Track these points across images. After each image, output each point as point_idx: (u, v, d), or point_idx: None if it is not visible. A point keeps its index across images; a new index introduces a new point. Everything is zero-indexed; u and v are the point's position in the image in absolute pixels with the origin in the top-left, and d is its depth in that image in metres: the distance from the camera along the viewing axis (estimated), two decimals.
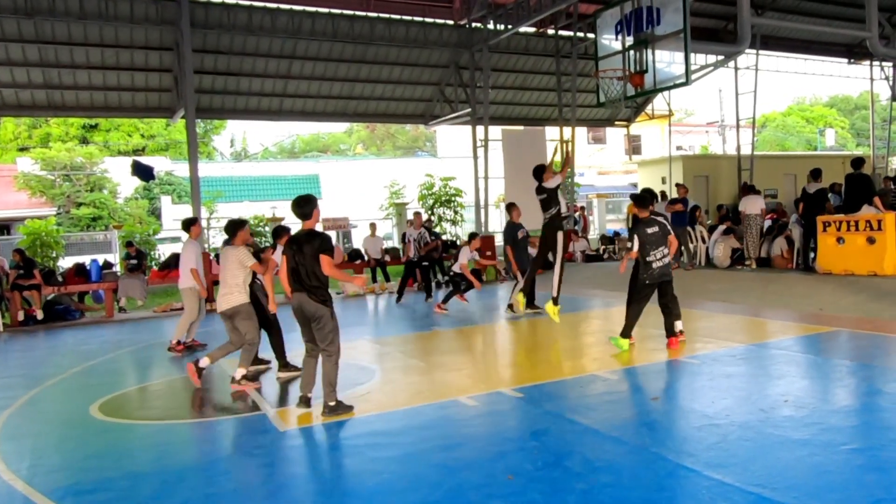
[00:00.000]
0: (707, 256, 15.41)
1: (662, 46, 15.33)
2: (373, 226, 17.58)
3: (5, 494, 4.47)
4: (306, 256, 5.79)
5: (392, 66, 19.22)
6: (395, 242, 20.87)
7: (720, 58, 18.32)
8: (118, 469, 4.92)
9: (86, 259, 15.28)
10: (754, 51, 20.27)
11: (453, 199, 21.97)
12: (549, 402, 5.97)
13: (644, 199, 7.82)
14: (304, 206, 5.92)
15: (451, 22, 19.02)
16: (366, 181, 29.74)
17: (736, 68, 21.06)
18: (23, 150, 30.93)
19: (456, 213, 21.71)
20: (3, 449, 5.39)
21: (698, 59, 17.27)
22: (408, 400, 6.36)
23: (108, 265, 15.29)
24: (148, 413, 6.55)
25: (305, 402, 6.00)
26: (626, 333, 7.81)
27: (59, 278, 14.36)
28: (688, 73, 14.97)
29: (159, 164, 26.34)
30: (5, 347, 11.25)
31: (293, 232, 6.44)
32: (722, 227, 15.25)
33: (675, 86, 15.62)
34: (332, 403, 5.81)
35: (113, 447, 5.52)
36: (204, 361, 7.10)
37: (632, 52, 15.70)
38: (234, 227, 7.33)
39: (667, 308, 7.91)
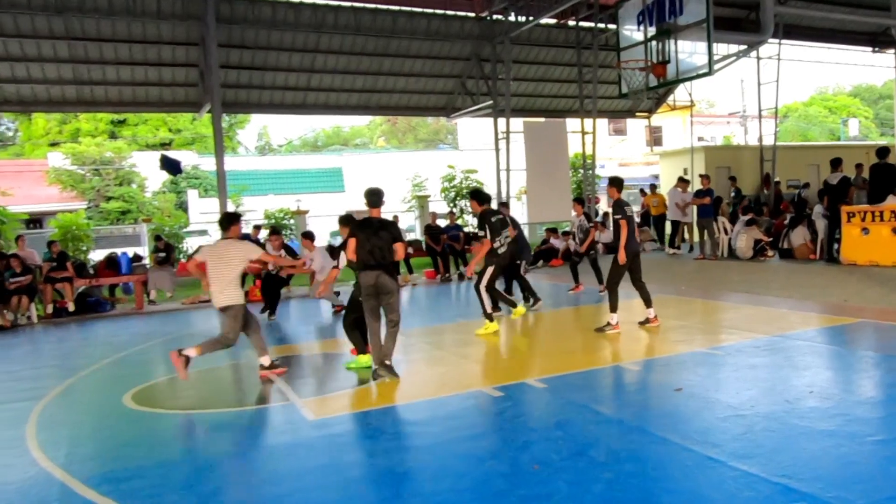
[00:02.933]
0: (729, 248, 15.28)
1: (685, 36, 15.19)
2: (395, 218, 17.57)
3: (44, 481, 4.55)
4: (383, 239, 6.63)
5: (414, 59, 19.24)
6: (417, 235, 20.89)
7: (743, 47, 18.11)
8: (151, 457, 4.99)
9: (116, 251, 15.44)
10: (777, 40, 20.03)
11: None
12: (572, 393, 5.96)
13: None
14: (378, 195, 6.84)
15: (472, 14, 18.99)
16: (388, 174, 29.78)
17: (758, 58, 20.82)
18: (53, 145, 31.34)
19: None
20: (41, 437, 5.49)
21: (720, 48, 17.07)
22: (434, 390, 6.38)
23: (137, 258, 15.47)
24: (179, 403, 6.62)
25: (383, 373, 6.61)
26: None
27: (91, 271, 14.54)
28: (710, 63, 14.82)
29: (186, 158, 26.54)
30: (40, 338, 11.44)
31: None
32: (745, 218, 15.10)
33: (698, 76, 15.48)
34: (390, 363, 6.66)
35: (146, 436, 5.59)
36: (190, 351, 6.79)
37: (654, 42, 15.58)
38: (230, 221, 7.23)
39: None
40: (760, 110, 21.82)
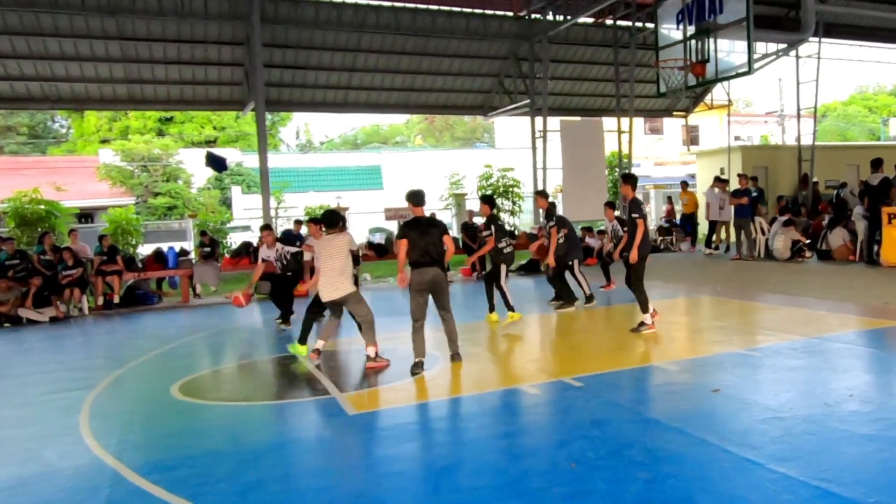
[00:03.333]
0: (767, 248, 15.00)
1: (725, 35, 14.98)
2: (433, 216, 17.61)
3: (97, 468, 4.66)
4: (433, 236, 6.88)
5: (452, 58, 19.23)
6: (454, 233, 20.89)
7: (783, 46, 17.78)
8: (197, 447, 5.08)
9: (163, 246, 15.71)
10: (817, 38, 19.56)
11: (511, 189, 21.86)
12: (609, 392, 5.92)
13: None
14: (421, 195, 7.06)
15: (510, 13, 18.92)
16: (425, 172, 29.81)
17: (797, 57, 20.39)
18: (104, 142, 31.95)
19: (514, 203, 21.60)
20: (93, 426, 5.61)
21: (760, 47, 16.78)
22: (472, 387, 6.39)
23: (183, 252, 15.72)
24: (223, 394, 6.73)
25: (421, 366, 6.76)
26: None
27: (139, 265, 14.82)
28: (750, 62, 14.60)
29: (230, 155, 26.85)
30: (91, 329, 11.70)
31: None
32: (782, 219, 14.82)
33: (737, 75, 15.26)
34: (458, 351, 7.06)
35: (192, 426, 5.69)
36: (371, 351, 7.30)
37: (693, 41, 15.39)
38: (336, 217, 7.78)
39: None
40: (799, 109, 21.39)
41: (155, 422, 5.90)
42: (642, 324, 8.27)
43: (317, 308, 8.00)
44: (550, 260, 10.44)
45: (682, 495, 3.79)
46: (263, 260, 10.20)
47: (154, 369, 8.00)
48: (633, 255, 8.20)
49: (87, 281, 13.49)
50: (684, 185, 20.02)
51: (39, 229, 15.97)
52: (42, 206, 17.06)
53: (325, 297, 7.38)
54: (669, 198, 23.11)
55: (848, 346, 7.09)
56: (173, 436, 5.43)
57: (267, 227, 11.07)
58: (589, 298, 10.61)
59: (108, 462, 4.76)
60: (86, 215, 23.52)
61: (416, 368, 6.74)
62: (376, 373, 7.02)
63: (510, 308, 9.66)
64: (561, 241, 10.32)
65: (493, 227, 10.00)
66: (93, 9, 14.67)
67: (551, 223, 10.27)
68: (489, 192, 19.27)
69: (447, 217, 23.00)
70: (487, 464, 4.42)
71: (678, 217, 20.61)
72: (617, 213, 13.12)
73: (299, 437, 5.35)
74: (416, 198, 7.04)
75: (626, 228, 11.09)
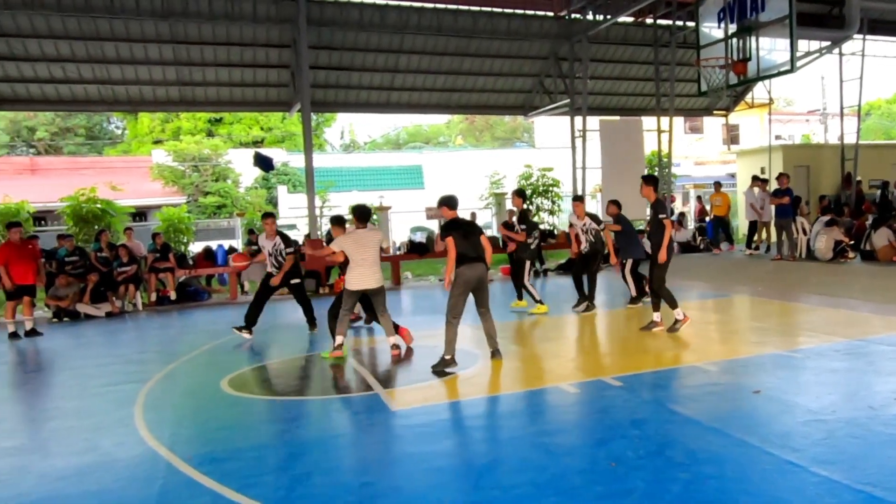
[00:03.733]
0: (808, 249, 14.66)
1: (767, 33, 14.66)
2: (473, 215, 17.60)
3: (151, 459, 4.77)
4: (476, 235, 7.05)
5: (493, 59, 19.14)
6: (494, 232, 20.85)
7: (826, 44, 17.33)
8: (246, 440, 5.16)
9: (213, 244, 15.97)
10: (861, 36, 19.05)
11: (551, 189, 21.73)
12: (648, 392, 5.87)
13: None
14: (456, 200, 7.34)
15: (551, 14, 18.75)
16: (466, 171, 29.80)
17: (841, 54, 19.86)
18: (157, 142, 32.61)
19: (553, 203, 21.47)
20: (147, 418, 5.74)
21: (802, 45, 16.38)
22: (511, 385, 6.38)
23: (232, 250, 15.93)
24: (269, 389, 6.83)
25: (454, 363, 6.84)
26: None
27: (190, 262, 15.10)
28: (793, 60, 14.26)
29: (277, 155, 27.17)
30: (144, 324, 11.96)
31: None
32: (824, 219, 14.46)
33: (780, 73, 14.92)
34: (498, 348, 7.18)
35: (241, 419, 5.79)
36: (395, 339, 7.80)
37: (735, 39, 15.09)
38: (368, 212, 8.09)
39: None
40: (842, 108, 20.83)
41: (205, 415, 6.02)
42: (676, 321, 8.20)
43: (336, 309, 8.04)
44: (612, 259, 10.48)
45: (724, 497, 3.74)
46: (261, 249, 9.90)
47: (204, 363, 8.15)
48: (662, 255, 8.15)
49: (141, 277, 13.81)
50: (717, 185, 19.13)
51: (96, 227, 16.37)
52: (99, 205, 17.49)
53: (359, 286, 7.62)
54: (699, 197, 22.66)
55: (893, 349, 6.91)
56: (222, 429, 5.53)
57: (270, 216, 10.08)
58: (634, 299, 10.53)
59: (162, 453, 4.87)
60: (140, 214, 24.03)
61: (450, 365, 6.79)
62: (399, 359, 7.48)
63: (538, 301, 10.26)
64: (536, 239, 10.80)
65: (525, 223, 10.47)
66: (147, 13, 14.96)
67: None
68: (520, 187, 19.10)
69: (488, 216, 22.99)
70: (527, 461, 4.42)
71: (709, 218, 19.77)
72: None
73: (343, 432, 5.40)
74: (451, 202, 7.25)
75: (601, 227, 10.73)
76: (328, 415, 5.89)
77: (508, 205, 19.98)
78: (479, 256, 7.00)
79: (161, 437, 5.20)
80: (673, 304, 8.22)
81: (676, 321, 8.20)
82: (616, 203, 10.79)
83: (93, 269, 13.02)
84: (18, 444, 5.31)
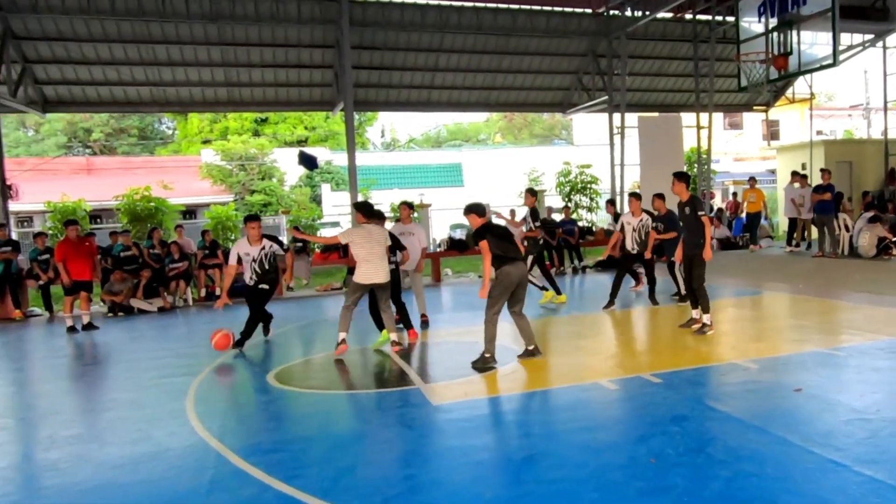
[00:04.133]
0: (851, 245, 14.26)
1: (808, 27, 14.33)
2: (512, 212, 17.52)
3: (202, 449, 4.87)
4: (509, 237, 7.07)
5: (532, 56, 19.06)
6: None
7: (868, 37, 16.85)
8: (292, 433, 5.24)
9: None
10: None
11: (589, 186, 21.55)
12: (688, 389, 5.78)
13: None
14: (484, 207, 7.35)
15: (589, 10, 18.60)
16: (505, 169, 29.69)
17: (885, 47, 19.30)
18: (206, 142, 33.11)
19: (592, 200, 21.28)
20: (198, 410, 5.85)
21: (844, 38, 15.93)
22: (551, 381, 6.35)
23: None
24: (314, 383, 6.90)
25: (493, 360, 6.85)
26: None
27: None
28: (835, 53, 13.92)
29: (320, 154, 27.40)
30: (195, 319, 12.20)
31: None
32: (868, 215, 14.05)
33: (821, 67, 14.57)
34: (533, 347, 7.10)
35: (287, 412, 5.87)
36: (396, 335, 7.94)
37: (775, 33, 14.77)
38: (373, 208, 8.33)
39: None
40: (886, 102, 20.22)
41: (253, 407, 6.12)
42: (704, 325, 7.98)
43: (375, 305, 8.18)
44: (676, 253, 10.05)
45: (765, 495, 3.67)
46: (240, 259, 8.69)
47: (252, 358, 8.28)
48: (708, 253, 7.93)
49: (192, 274, 14.07)
50: (752, 181, 18.13)
51: (149, 225, 16.74)
52: (151, 203, 17.88)
53: (369, 279, 7.70)
54: (735, 194, 22.17)
55: None
56: (270, 421, 5.61)
57: (254, 218, 8.95)
58: (683, 297, 10.10)
59: (212, 444, 4.96)
60: (190, 212, 24.51)
61: (490, 363, 6.78)
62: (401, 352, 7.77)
63: (556, 290, 10.91)
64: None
65: (539, 219, 10.94)
66: (196, 16, 15.25)
67: (701, 212, 8.62)
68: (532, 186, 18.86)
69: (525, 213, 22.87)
70: (568, 457, 4.39)
71: (743, 214, 18.89)
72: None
73: (386, 425, 5.42)
74: (479, 208, 7.20)
75: (655, 224, 10.37)
76: (370, 409, 5.92)
77: (547, 202, 19.90)
78: (520, 256, 7.01)
79: (211, 429, 5.30)
80: (706, 308, 8.01)
81: (704, 325, 7.98)
82: (662, 197, 10.45)
83: (145, 266, 13.31)
84: (77, 433, 5.45)
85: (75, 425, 5.72)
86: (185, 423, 5.51)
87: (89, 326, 11.10)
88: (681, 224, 8.62)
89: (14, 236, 15.30)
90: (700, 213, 8.08)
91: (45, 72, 15.96)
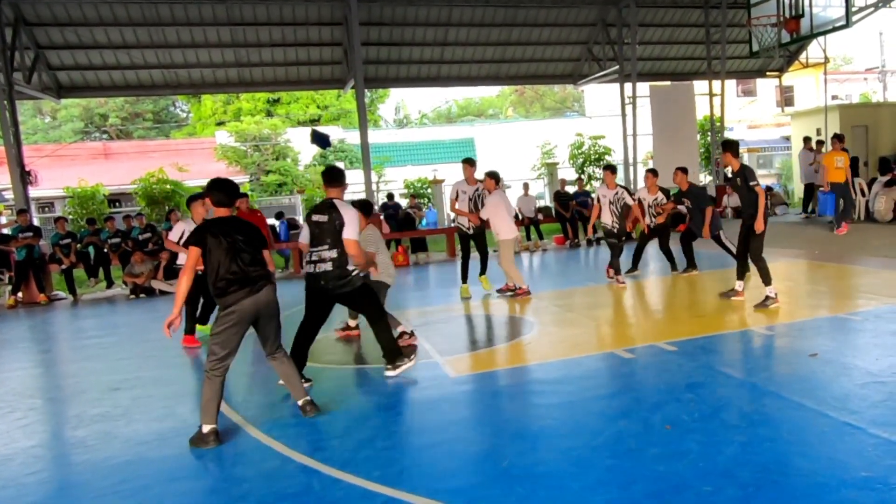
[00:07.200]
0: (867, 210, 14.10)
1: None
2: (526, 186, 17.51)
3: (226, 423, 4.93)
4: None
5: (542, 28, 18.83)
6: (546, 201, 20.69)
7: None
8: None
9: (275, 222, 16.24)
10: None
11: (602, 157, 21.40)
12: (703, 356, 5.79)
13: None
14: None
15: None
16: (518, 142, 29.51)
17: None
18: (220, 124, 33.18)
19: None
20: None
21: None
22: (567, 351, 6.37)
23: (294, 225, 16.22)
24: (333, 358, 6.97)
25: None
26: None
27: None
28: (848, 14, 13.68)
29: (333, 132, 27.37)
30: None
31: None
32: (884, 179, 13.88)
33: (834, 29, 14.33)
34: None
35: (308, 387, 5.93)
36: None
37: None
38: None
39: None
40: None
41: (274, 383, 6.18)
42: (768, 297, 7.45)
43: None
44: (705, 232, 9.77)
45: (779, 458, 3.69)
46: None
47: None
48: (760, 224, 7.46)
49: None
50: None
51: (166, 207, 16.85)
52: (168, 186, 17.97)
53: (391, 276, 7.26)
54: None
55: None
56: (290, 395, 5.67)
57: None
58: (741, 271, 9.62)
59: (235, 419, 5.05)
60: None
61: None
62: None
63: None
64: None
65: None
66: None
67: (753, 182, 8.09)
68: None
69: (540, 186, 22.79)
70: (583, 425, 4.43)
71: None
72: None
73: (404, 398, 5.48)
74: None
75: (669, 200, 10.27)
76: (389, 383, 5.97)
77: (561, 174, 19.82)
78: None
79: (234, 404, 5.39)
80: (768, 280, 7.48)
81: (768, 298, 7.43)
82: (685, 171, 10.07)
83: (165, 248, 13.42)
84: (104, 411, 5.56)
85: (102, 404, 5.82)
86: None
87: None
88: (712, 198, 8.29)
89: (35, 222, 15.46)
90: (752, 183, 7.58)
91: (59, 57, 16.02)
